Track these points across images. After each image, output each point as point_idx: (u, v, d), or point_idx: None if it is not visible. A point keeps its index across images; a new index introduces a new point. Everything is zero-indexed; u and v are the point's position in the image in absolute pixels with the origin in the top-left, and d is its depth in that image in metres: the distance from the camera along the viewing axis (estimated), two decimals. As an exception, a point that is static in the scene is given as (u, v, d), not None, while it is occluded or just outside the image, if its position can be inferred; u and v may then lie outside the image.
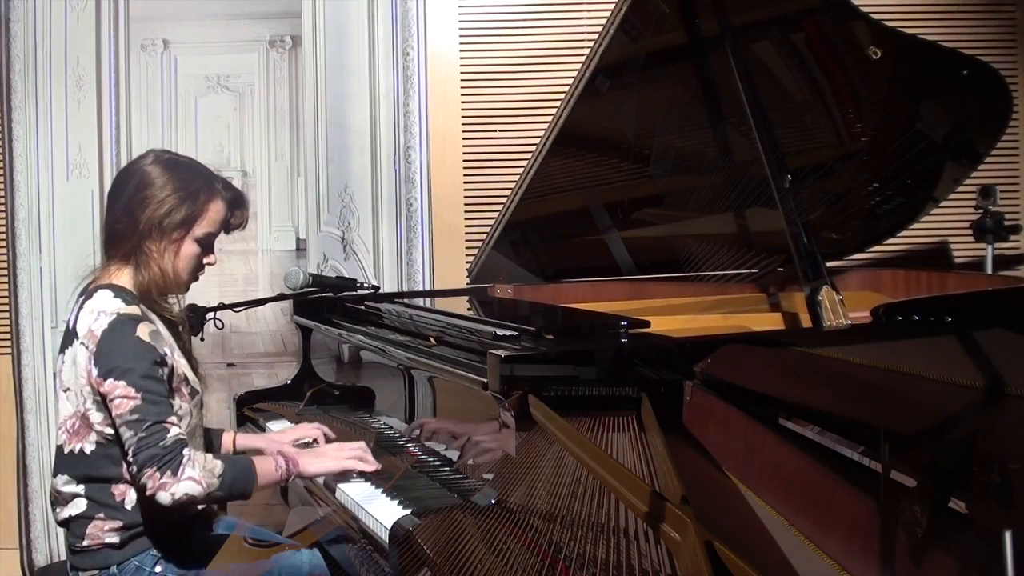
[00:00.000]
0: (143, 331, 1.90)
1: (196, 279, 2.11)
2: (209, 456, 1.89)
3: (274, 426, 2.56)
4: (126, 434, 1.84)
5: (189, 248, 2.03)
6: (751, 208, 2.87)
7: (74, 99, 3.56)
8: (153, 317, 1.99)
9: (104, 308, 1.92)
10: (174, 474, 1.80)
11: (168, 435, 1.83)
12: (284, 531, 2.39)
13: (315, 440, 2.29)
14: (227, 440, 2.30)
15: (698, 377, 1.72)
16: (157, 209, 1.98)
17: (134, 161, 2.07)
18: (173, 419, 1.87)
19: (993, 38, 3.59)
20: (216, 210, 2.06)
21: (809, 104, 2.81)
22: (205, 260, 2.08)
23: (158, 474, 1.80)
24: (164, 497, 1.80)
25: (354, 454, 2.05)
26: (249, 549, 2.19)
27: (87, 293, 1.99)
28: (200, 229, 2.03)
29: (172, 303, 2.09)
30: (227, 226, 2.11)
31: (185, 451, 1.83)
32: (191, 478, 1.81)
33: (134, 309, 1.94)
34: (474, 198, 3.58)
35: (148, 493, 1.82)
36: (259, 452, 2.28)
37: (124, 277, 2.01)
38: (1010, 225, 3.27)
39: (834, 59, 2.74)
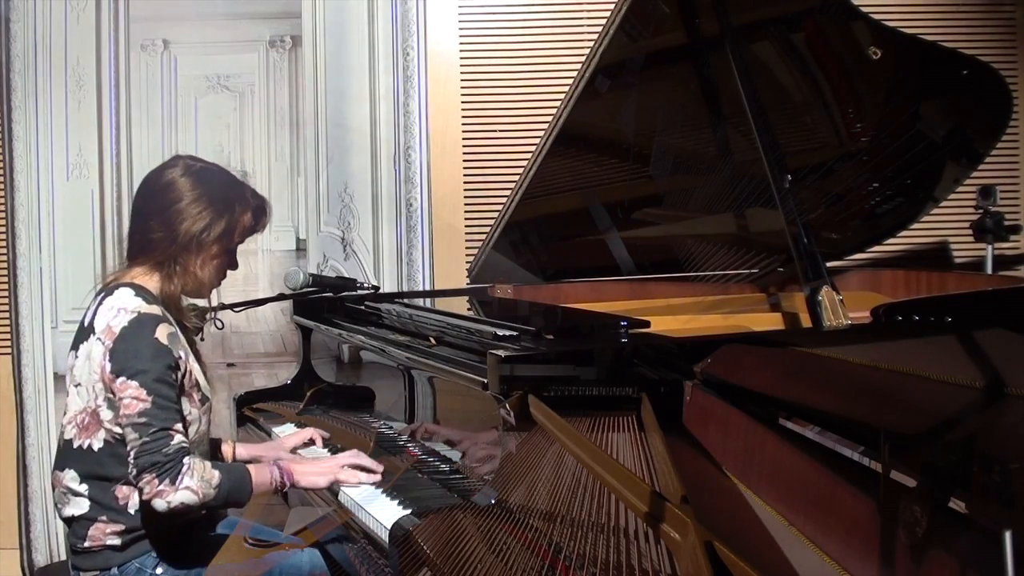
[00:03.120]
0: (162, 332, 1.90)
1: (218, 285, 2.13)
2: (208, 466, 1.89)
3: (276, 429, 2.57)
4: (131, 436, 1.85)
5: (222, 259, 2.06)
6: (751, 208, 2.87)
7: (74, 99, 3.56)
8: (172, 319, 1.99)
9: (125, 305, 1.92)
10: (172, 483, 1.81)
11: (172, 443, 1.83)
12: (284, 531, 2.39)
13: (312, 440, 2.36)
14: (227, 451, 2.30)
15: (698, 377, 1.72)
16: (195, 223, 1.99)
17: (164, 170, 2.05)
18: (179, 426, 1.87)
19: (993, 38, 3.59)
20: (247, 220, 2.09)
21: (809, 104, 2.81)
22: (229, 268, 2.11)
23: (156, 481, 1.81)
24: (160, 504, 1.82)
25: (349, 470, 2.03)
26: (249, 549, 2.19)
27: (107, 290, 1.99)
28: (234, 241, 2.06)
29: (186, 307, 2.10)
30: (251, 232, 2.13)
31: (186, 460, 1.84)
32: (188, 488, 1.82)
33: (155, 309, 1.94)
34: (474, 198, 3.58)
35: (144, 498, 1.83)
36: (257, 460, 2.30)
37: (148, 281, 2.01)
38: (1010, 225, 3.27)
39: (834, 59, 2.74)
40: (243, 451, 2.33)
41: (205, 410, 2.04)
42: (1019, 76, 3.56)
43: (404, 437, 2.28)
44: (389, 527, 1.71)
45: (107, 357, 1.89)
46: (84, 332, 1.98)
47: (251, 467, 1.97)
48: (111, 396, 1.89)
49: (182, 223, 1.99)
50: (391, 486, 1.98)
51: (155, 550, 1.96)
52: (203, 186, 2.02)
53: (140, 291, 1.97)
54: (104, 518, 1.94)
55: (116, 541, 1.94)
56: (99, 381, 1.91)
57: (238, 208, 2.05)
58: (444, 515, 1.67)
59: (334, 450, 2.32)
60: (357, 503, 1.93)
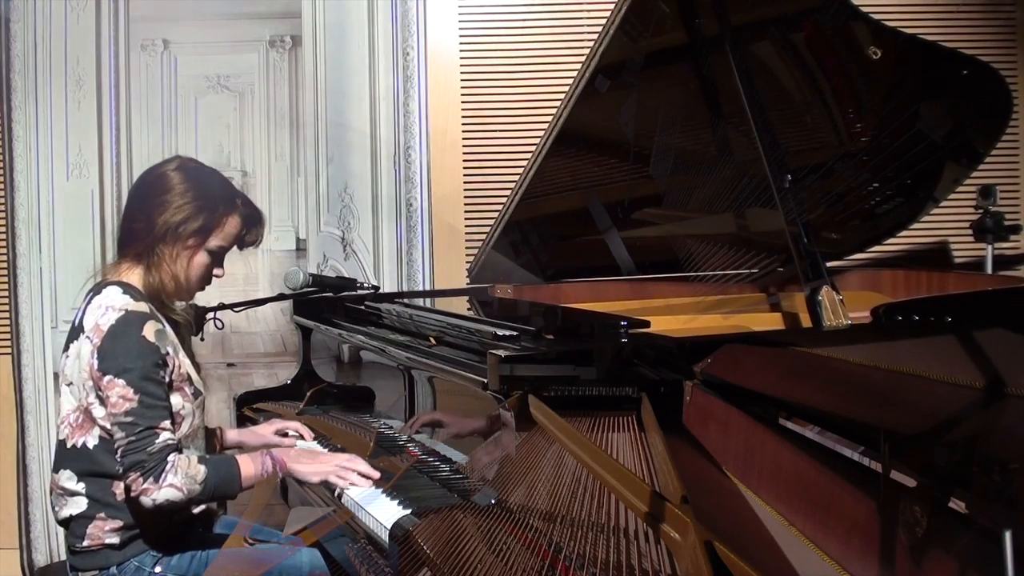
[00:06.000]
0: (148, 330, 1.91)
1: (202, 288, 2.12)
2: (194, 461, 1.90)
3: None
4: (118, 434, 1.87)
5: (201, 258, 2.05)
6: (751, 208, 2.87)
7: (74, 99, 3.56)
8: (159, 316, 2.00)
9: (112, 303, 1.93)
10: (156, 480, 1.83)
11: (157, 441, 1.85)
12: (284, 531, 2.39)
13: (298, 433, 2.42)
14: (216, 434, 2.34)
15: (698, 377, 1.72)
16: (175, 214, 2.00)
17: (159, 164, 2.08)
18: (166, 424, 1.89)
19: (993, 38, 3.59)
20: (232, 225, 2.08)
21: (809, 104, 2.81)
22: (214, 272, 2.10)
23: (141, 479, 1.83)
24: (146, 501, 1.85)
25: (344, 471, 2.02)
26: (249, 548, 2.19)
27: (95, 289, 2.00)
28: (214, 241, 2.05)
29: (178, 304, 2.11)
30: (241, 242, 2.13)
31: (170, 458, 1.85)
32: (172, 485, 1.84)
33: (142, 306, 1.95)
34: (474, 198, 3.58)
35: (131, 495, 1.86)
36: (245, 446, 2.38)
37: (134, 276, 2.02)
38: (1010, 225, 3.27)
39: (834, 59, 2.74)
40: (232, 435, 2.39)
41: (198, 404, 2.04)
42: (1019, 76, 3.56)
43: (404, 437, 2.29)
44: (389, 527, 1.71)
45: (95, 355, 1.90)
46: (74, 331, 1.99)
47: (240, 458, 1.98)
48: (101, 393, 1.90)
49: (161, 213, 1.99)
50: (391, 486, 1.97)
51: (153, 550, 1.96)
52: (191, 182, 2.03)
53: (128, 289, 1.97)
54: (102, 515, 1.95)
55: (115, 539, 1.94)
56: (89, 379, 1.92)
57: (221, 208, 2.05)
58: (444, 515, 1.67)
59: (333, 450, 2.32)
60: (357, 503, 1.93)
